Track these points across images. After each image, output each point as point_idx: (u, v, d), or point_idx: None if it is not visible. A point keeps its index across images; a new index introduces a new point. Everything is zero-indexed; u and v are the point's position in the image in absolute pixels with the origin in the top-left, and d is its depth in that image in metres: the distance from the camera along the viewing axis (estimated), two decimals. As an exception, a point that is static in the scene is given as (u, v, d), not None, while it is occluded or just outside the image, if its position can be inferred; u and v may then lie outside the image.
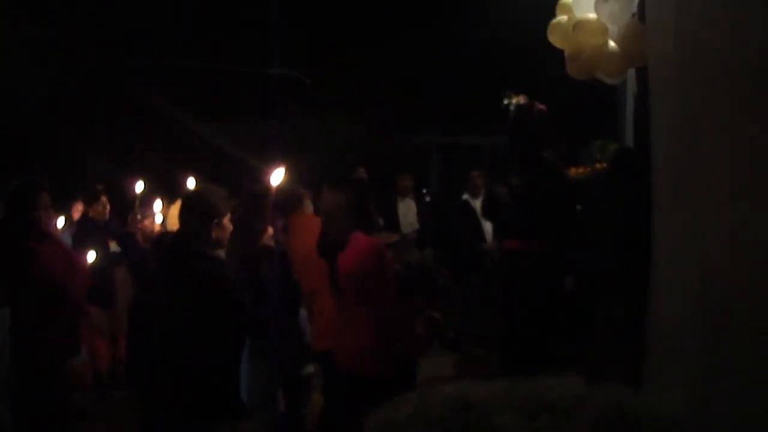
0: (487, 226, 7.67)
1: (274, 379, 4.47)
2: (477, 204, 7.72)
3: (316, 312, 4.12)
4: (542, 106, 5.36)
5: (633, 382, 3.51)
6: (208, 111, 12.30)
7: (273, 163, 4.30)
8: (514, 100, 5.42)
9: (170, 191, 6.79)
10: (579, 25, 4.61)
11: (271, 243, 4.10)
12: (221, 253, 3.74)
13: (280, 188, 4.17)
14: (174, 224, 4.33)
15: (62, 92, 11.29)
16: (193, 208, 3.58)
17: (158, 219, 5.84)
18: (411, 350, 4.18)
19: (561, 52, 4.95)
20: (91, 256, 5.03)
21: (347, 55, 12.65)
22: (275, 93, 12.78)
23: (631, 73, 5.05)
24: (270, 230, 4.12)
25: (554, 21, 4.95)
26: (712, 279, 2.67)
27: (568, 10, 4.84)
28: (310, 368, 4.53)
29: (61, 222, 5.86)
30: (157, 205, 5.86)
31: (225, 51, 12.43)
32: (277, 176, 4.20)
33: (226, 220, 3.62)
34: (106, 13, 11.29)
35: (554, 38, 4.93)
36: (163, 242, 4.10)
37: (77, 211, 7.23)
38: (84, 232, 6.33)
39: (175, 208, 4.42)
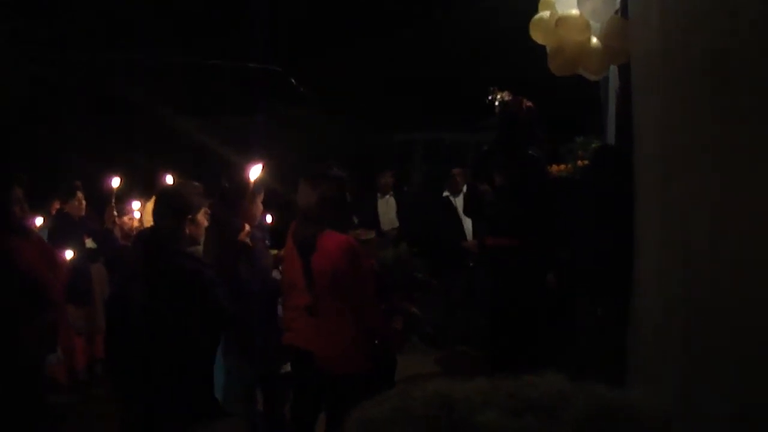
0: (468, 224, 7.66)
1: (253, 378, 4.42)
2: (458, 201, 7.70)
3: (289, 307, 4.06)
4: (530, 103, 5.36)
5: (617, 380, 3.50)
6: (189, 106, 12.21)
7: (253, 159, 4.25)
8: (498, 96, 5.41)
9: (148, 187, 6.72)
10: (561, 21, 4.58)
11: (248, 240, 4.04)
12: (199, 250, 3.69)
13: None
14: (150, 220, 4.27)
15: (42, 88, 11.16)
16: (167, 204, 3.55)
17: (136, 215, 5.79)
18: (389, 347, 4.14)
19: (544, 48, 4.93)
20: (68, 254, 4.96)
21: (330, 50, 12.61)
22: (257, 88, 12.72)
23: (614, 69, 5.05)
24: (247, 227, 4.06)
25: (536, 17, 4.92)
26: (696, 275, 2.66)
27: (550, 6, 4.81)
28: (288, 366, 4.48)
29: (39, 220, 5.78)
30: (135, 201, 5.80)
31: (207, 46, 12.34)
32: (255, 172, 4.14)
33: (201, 216, 3.57)
34: (88, 8, 11.18)
35: (536, 34, 4.90)
36: (142, 238, 4.04)
37: (54, 207, 7.14)
38: (59, 228, 6.24)
39: (151, 204, 4.36)
